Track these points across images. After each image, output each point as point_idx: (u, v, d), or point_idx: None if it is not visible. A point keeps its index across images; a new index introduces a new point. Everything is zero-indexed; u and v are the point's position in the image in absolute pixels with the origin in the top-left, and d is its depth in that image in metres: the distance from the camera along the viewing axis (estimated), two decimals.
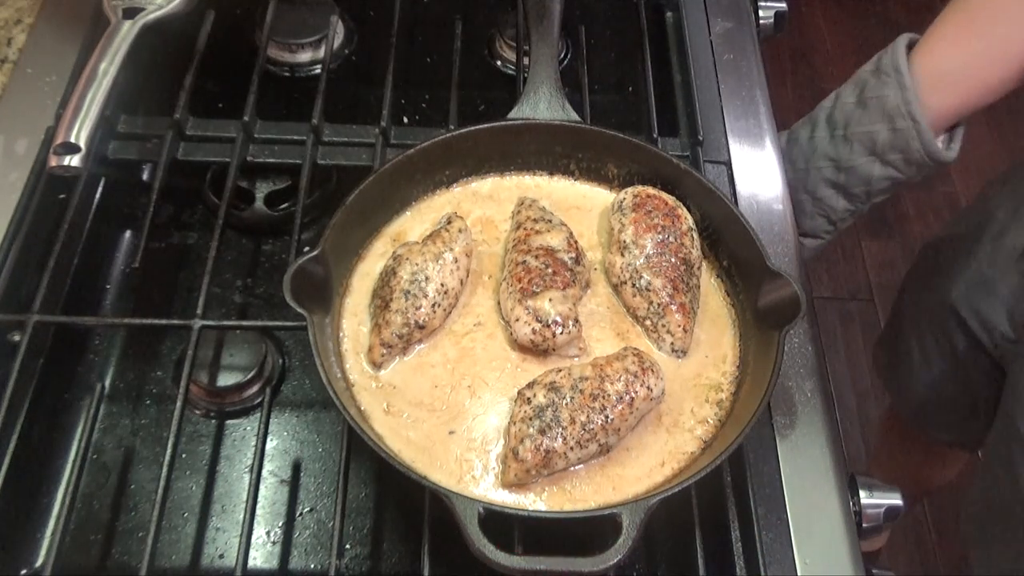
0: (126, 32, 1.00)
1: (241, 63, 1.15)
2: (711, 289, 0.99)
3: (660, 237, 0.95)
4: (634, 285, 0.95)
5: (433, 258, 0.92)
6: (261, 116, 1.09)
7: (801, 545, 0.87)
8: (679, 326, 0.93)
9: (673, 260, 0.94)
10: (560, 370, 0.86)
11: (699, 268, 0.97)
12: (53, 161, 0.91)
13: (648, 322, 0.95)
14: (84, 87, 0.95)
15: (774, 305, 0.90)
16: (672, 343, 0.93)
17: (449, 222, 0.96)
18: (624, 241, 0.96)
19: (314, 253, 0.87)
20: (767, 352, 0.88)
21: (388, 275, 0.92)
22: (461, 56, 1.18)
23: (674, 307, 0.93)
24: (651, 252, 0.94)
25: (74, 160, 0.91)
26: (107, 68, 0.97)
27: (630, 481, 0.85)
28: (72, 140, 0.92)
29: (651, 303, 0.94)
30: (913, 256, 1.59)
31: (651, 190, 0.99)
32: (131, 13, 1.02)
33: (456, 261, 0.93)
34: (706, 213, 1.00)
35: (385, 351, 0.90)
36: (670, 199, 0.98)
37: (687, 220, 0.97)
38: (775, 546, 0.87)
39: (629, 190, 1.00)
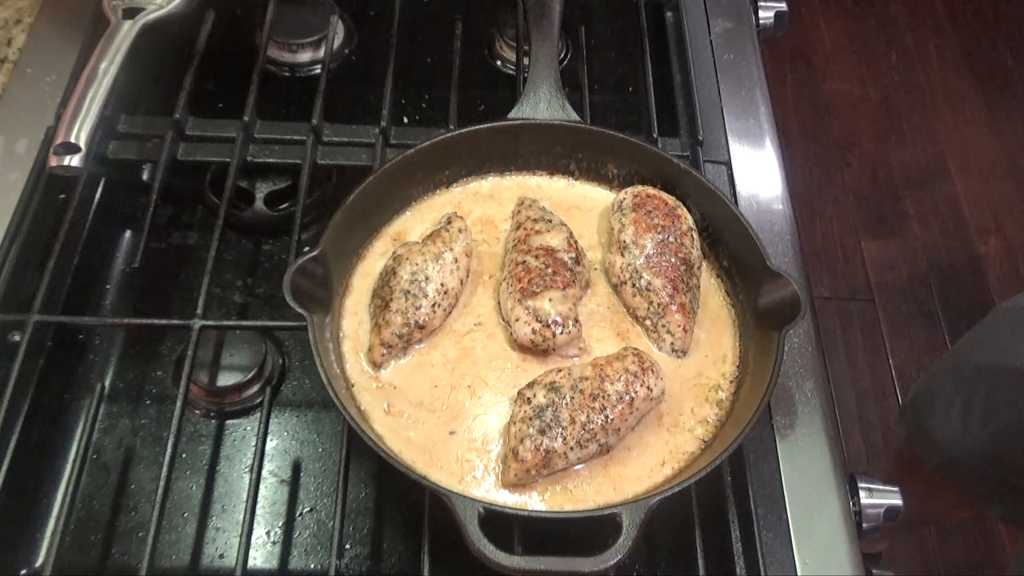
0: (126, 32, 1.00)
1: (241, 63, 1.14)
2: (711, 289, 0.99)
3: (660, 237, 0.95)
4: (634, 285, 0.95)
5: (433, 258, 0.92)
6: (261, 116, 1.09)
7: (801, 545, 0.87)
8: (679, 326, 0.93)
9: (673, 260, 0.94)
10: (560, 370, 0.86)
11: (699, 268, 0.97)
12: (53, 161, 0.91)
13: (648, 322, 0.95)
14: (84, 87, 0.95)
15: (774, 305, 0.90)
16: (672, 343, 0.93)
17: (449, 222, 0.96)
18: (624, 241, 0.96)
19: (314, 253, 0.87)
20: (767, 352, 0.88)
21: (388, 275, 0.92)
22: (461, 56, 1.18)
23: (674, 307, 0.93)
24: (651, 252, 0.94)
25: (74, 160, 0.91)
26: (107, 68, 0.97)
27: (630, 481, 0.85)
28: (72, 140, 0.91)
29: (651, 303, 0.94)
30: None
31: (651, 190, 0.99)
32: (131, 13, 1.02)
33: (456, 261, 0.93)
34: (706, 213, 1.00)
35: (385, 351, 0.89)
36: (670, 199, 0.98)
37: (687, 220, 0.97)
38: (775, 546, 0.87)
39: (629, 190, 1.00)
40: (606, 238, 1.01)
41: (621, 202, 0.99)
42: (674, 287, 0.93)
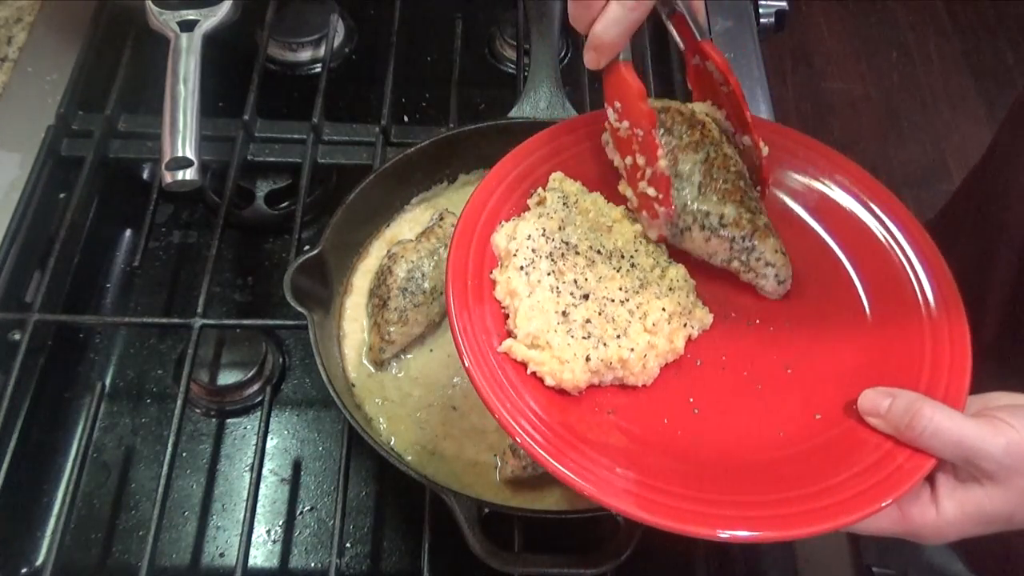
0: (189, 44, 0.99)
1: (241, 62, 1.15)
2: None
3: (701, 156, 0.75)
4: (703, 227, 0.75)
5: (428, 254, 0.92)
6: (261, 115, 1.09)
7: (801, 544, 0.87)
8: (775, 250, 0.76)
9: (728, 176, 0.75)
10: None
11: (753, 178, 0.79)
12: (168, 178, 0.90)
13: (736, 263, 0.77)
14: (172, 105, 0.93)
15: None
16: (776, 273, 0.76)
17: (441, 218, 0.96)
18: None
19: (314, 252, 0.87)
20: None
21: (384, 273, 0.92)
22: (461, 55, 1.18)
23: (760, 231, 0.75)
24: (700, 180, 0.75)
25: (188, 174, 0.90)
26: (186, 79, 0.96)
27: None
28: (181, 154, 0.90)
29: (733, 238, 0.75)
30: None
31: (655, 103, 0.79)
32: (187, 26, 1.01)
33: None
34: None
35: (385, 349, 0.89)
36: (683, 107, 0.79)
37: (715, 126, 0.79)
38: (775, 546, 0.87)
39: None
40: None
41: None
42: (748, 209, 0.74)
